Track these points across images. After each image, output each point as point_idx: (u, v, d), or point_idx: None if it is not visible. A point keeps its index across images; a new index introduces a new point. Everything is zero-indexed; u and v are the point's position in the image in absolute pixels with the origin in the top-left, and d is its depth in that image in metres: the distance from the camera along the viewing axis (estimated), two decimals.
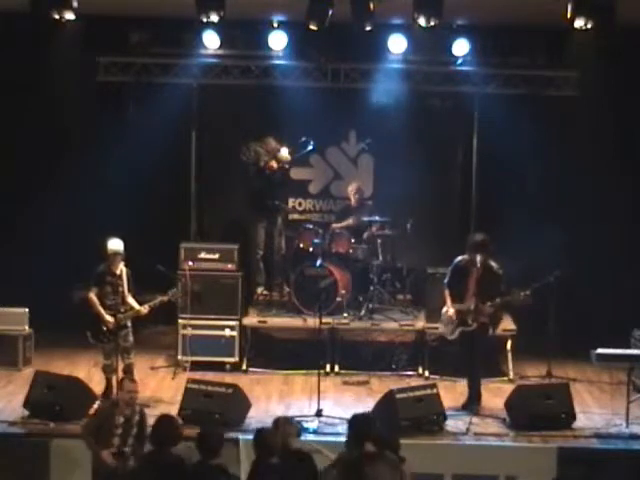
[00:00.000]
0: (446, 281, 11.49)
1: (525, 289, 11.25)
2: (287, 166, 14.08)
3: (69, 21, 12.41)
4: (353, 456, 8.09)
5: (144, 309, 11.52)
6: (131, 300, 11.55)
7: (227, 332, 12.94)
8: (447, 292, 11.43)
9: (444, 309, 11.47)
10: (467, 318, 11.23)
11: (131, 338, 11.58)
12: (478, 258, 11.15)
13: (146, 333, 13.63)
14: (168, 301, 11.74)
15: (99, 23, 13.15)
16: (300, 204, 15.02)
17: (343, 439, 8.58)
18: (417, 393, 10.96)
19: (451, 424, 10.90)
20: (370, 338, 13.41)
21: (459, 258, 11.43)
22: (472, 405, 11.29)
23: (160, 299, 11.61)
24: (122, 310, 11.46)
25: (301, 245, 13.74)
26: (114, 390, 11.35)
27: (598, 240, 13.63)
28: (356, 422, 8.32)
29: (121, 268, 11.51)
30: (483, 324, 11.22)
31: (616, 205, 13.93)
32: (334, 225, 13.95)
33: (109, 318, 11.38)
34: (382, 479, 7.88)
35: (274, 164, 13.94)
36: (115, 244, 11.47)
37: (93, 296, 11.45)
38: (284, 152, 13.95)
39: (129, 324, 11.56)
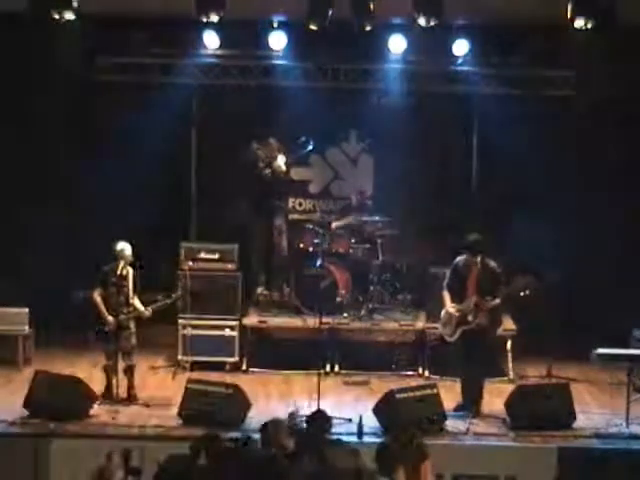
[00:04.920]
0: (446, 283, 11.47)
1: (525, 288, 11.23)
2: (282, 176, 13.92)
3: (69, 21, 12.42)
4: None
5: (147, 312, 11.52)
6: (136, 302, 11.55)
7: (227, 332, 12.95)
8: (446, 294, 11.41)
9: (443, 310, 11.46)
10: (468, 317, 11.22)
11: (134, 340, 11.56)
12: (476, 258, 11.15)
13: (146, 333, 13.61)
14: (172, 304, 11.76)
15: (99, 23, 13.14)
16: (300, 204, 15.01)
17: (342, 439, 8.58)
18: (417, 393, 10.95)
19: (451, 424, 10.88)
20: (370, 338, 13.41)
21: (458, 258, 11.41)
22: (470, 407, 11.25)
23: (164, 302, 11.63)
24: (125, 311, 11.46)
25: (301, 245, 13.75)
26: (114, 390, 11.38)
27: (598, 240, 13.63)
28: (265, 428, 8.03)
29: (127, 269, 11.51)
30: (483, 324, 11.21)
31: (616, 205, 13.91)
32: (334, 224, 13.93)
33: (110, 319, 11.38)
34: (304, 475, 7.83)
35: (268, 172, 13.85)
36: (121, 246, 11.49)
37: (97, 296, 11.46)
38: (280, 161, 13.76)
39: (132, 326, 11.55)
